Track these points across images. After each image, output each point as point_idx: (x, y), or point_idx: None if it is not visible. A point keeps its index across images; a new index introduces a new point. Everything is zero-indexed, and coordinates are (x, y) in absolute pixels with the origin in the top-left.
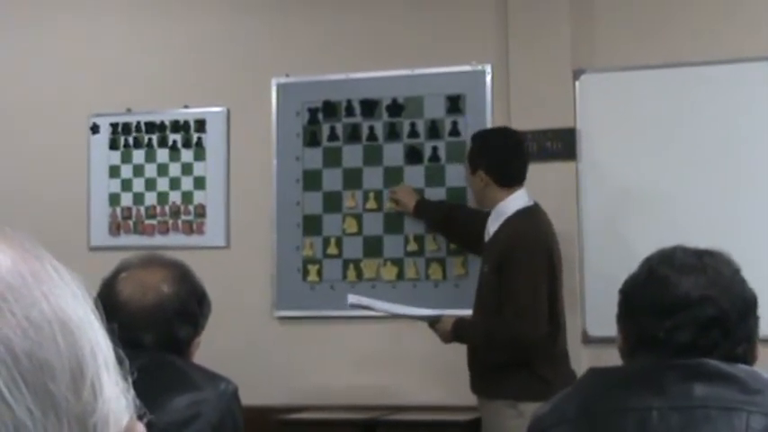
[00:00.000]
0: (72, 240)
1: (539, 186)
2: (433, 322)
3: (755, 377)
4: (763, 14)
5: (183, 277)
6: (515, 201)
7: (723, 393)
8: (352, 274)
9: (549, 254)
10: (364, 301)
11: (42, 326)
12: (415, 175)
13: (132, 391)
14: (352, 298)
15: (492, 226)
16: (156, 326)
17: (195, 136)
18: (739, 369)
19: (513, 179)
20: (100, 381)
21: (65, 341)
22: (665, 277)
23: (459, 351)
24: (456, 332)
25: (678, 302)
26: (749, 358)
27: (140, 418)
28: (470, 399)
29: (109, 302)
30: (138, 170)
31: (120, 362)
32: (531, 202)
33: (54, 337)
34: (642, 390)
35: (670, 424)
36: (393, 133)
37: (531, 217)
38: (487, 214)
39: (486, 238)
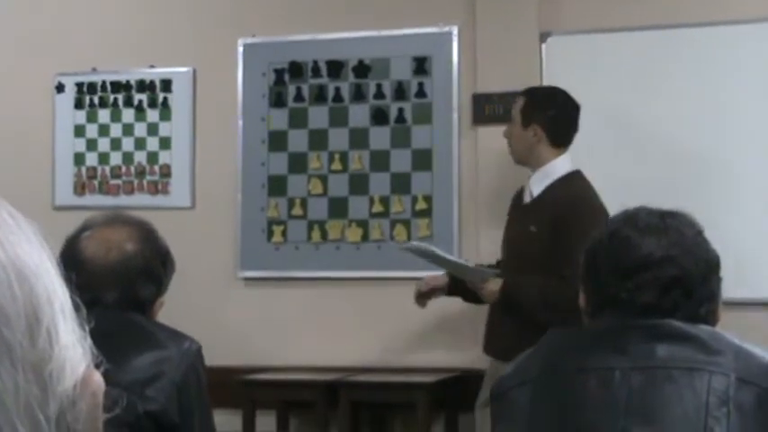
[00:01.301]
0: (36, 200)
1: (505, 148)
2: (480, 280)
3: (717, 338)
4: None
5: (147, 236)
6: (563, 163)
7: (685, 354)
8: (316, 235)
9: (607, 217)
10: (414, 245)
11: None
12: (380, 137)
13: (89, 340)
14: (400, 245)
15: (535, 186)
16: (118, 284)
17: (161, 96)
18: (701, 330)
19: (567, 140)
20: (56, 328)
21: (20, 287)
22: (627, 238)
23: (424, 313)
24: (507, 291)
25: (640, 263)
26: (711, 319)
27: (97, 367)
28: (435, 360)
29: (72, 260)
30: (104, 130)
31: (77, 310)
32: (576, 169)
33: (9, 282)
34: (604, 350)
35: (632, 384)
36: (359, 94)
37: (586, 182)
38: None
39: (528, 198)
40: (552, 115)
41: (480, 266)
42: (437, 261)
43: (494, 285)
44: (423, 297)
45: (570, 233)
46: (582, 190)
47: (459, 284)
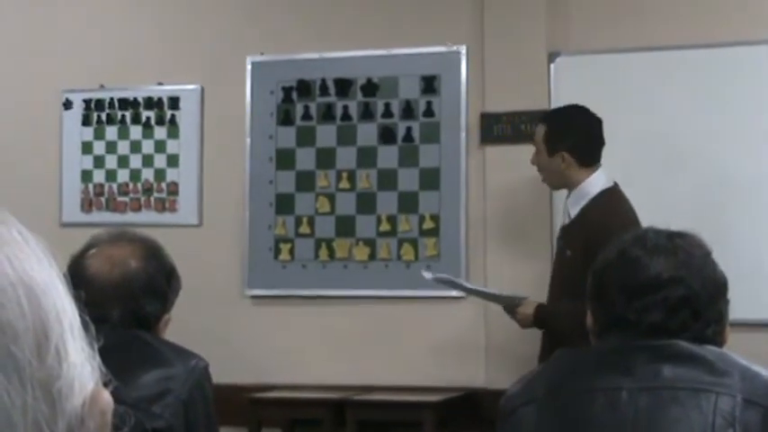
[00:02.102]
0: (44, 216)
1: (513, 168)
2: (512, 306)
3: (724, 359)
4: (736, 0)
5: (152, 253)
6: (598, 180)
7: (691, 375)
8: (324, 253)
9: None
10: (443, 276)
11: (5, 288)
12: (388, 155)
13: (98, 358)
14: (428, 275)
15: (573, 208)
16: (122, 301)
17: (169, 113)
18: (708, 351)
19: (595, 158)
20: (65, 346)
21: (29, 304)
22: (636, 258)
23: (430, 332)
24: (539, 316)
25: (648, 283)
26: (719, 340)
27: (106, 385)
28: (442, 380)
29: (77, 277)
30: (111, 147)
31: (86, 328)
32: (612, 183)
33: (18, 299)
34: (611, 370)
35: (639, 405)
36: (367, 113)
37: (620, 196)
38: None
39: (566, 220)
40: (575, 140)
41: (508, 292)
42: (466, 290)
43: (527, 309)
44: None
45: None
46: (613, 210)
47: None
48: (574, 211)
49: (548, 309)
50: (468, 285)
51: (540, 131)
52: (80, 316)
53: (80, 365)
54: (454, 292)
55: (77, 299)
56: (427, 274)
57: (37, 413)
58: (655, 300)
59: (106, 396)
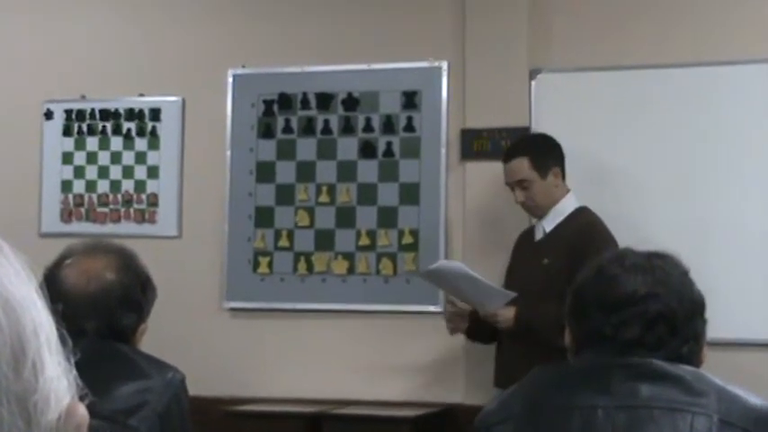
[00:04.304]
0: (23, 226)
1: (493, 184)
2: (494, 307)
3: (700, 378)
4: (713, 19)
5: (127, 264)
6: (571, 200)
7: (668, 394)
8: (302, 266)
9: (617, 246)
10: (450, 266)
11: None
12: (368, 170)
13: (75, 372)
14: (437, 264)
15: (548, 224)
16: (99, 313)
17: (150, 125)
18: (685, 370)
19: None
20: (41, 360)
21: (6, 318)
22: (613, 276)
23: (408, 346)
24: (521, 317)
25: (625, 299)
26: (695, 360)
27: (82, 399)
28: (419, 395)
29: (53, 289)
30: (92, 157)
31: (63, 342)
32: (581, 204)
33: None
34: (588, 388)
35: (615, 423)
36: (348, 127)
37: (594, 213)
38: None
39: (540, 235)
40: (557, 153)
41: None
42: (460, 283)
43: (509, 312)
44: (455, 318)
45: (585, 261)
46: (593, 220)
47: (476, 322)
48: (549, 227)
49: (529, 309)
50: (469, 272)
51: (521, 164)
52: (57, 330)
53: (56, 379)
54: (432, 307)
55: (54, 312)
56: (434, 264)
57: (12, 427)
58: (632, 314)
59: (82, 410)
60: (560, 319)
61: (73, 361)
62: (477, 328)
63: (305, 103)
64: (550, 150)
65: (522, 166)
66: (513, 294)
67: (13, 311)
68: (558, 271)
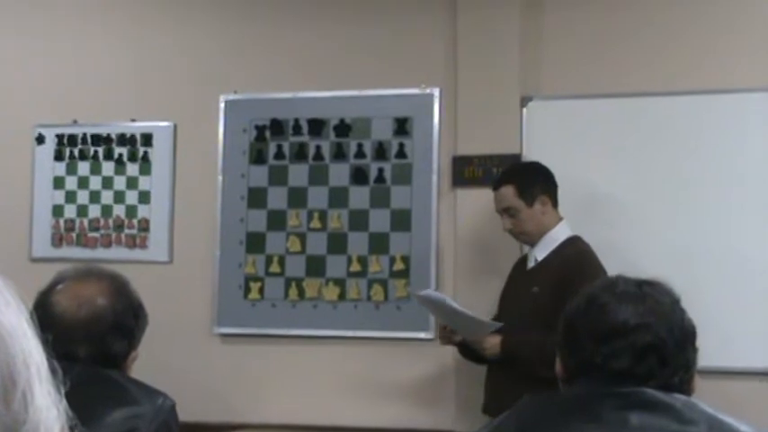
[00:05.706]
0: (14, 251)
1: (484, 211)
2: (486, 333)
3: (691, 407)
4: (704, 47)
5: (119, 290)
6: (564, 229)
7: (659, 423)
8: (293, 292)
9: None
10: (434, 295)
11: None
12: (360, 196)
13: (65, 402)
14: (422, 292)
15: (539, 252)
16: (90, 340)
17: (141, 150)
18: (675, 399)
19: (557, 199)
20: (32, 390)
21: None
22: (604, 305)
23: (399, 373)
24: (506, 346)
25: (616, 329)
26: (686, 389)
27: (72, 429)
28: (410, 421)
29: (44, 315)
30: (83, 182)
31: (53, 372)
32: (574, 233)
33: None
34: (578, 417)
35: None
36: (340, 153)
37: (586, 243)
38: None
39: (532, 263)
40: (544, 179)
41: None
42: (446, 312)
43: (495, 339)
44: (448, 333)
45: (573, 291)
46: (583, 250)
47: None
48: (541, 255)
49: (514, 338)
50: (452, 304)
51: (507, 192)
52: (47, 360)
53: (46, 410)
54: (422, 334)
55: (45, 342)
56: (421, 292)
57: None
58: (622, 345)
59: None
60: (544, 350)
61: (63, 391)
62: (468, 346)
63: (297, 129)
64: (537, 178)
65: (509, 193)
66: (497, 325)
67: (3, 342)
68: (546, 300)
